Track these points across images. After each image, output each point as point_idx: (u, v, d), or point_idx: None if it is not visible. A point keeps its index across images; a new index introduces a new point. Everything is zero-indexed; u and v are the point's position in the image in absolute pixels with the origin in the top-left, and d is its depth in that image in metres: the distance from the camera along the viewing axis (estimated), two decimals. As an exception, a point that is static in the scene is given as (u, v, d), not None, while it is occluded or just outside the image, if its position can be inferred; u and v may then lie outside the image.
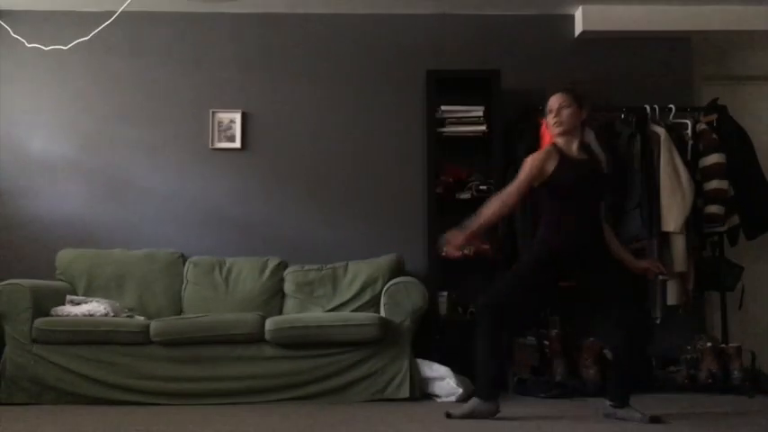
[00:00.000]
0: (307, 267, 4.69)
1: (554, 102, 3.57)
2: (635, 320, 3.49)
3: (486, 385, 3.51)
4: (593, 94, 4.94)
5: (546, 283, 3.63)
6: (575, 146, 3.55)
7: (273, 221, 5.00)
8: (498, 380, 3.68)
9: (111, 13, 4.59)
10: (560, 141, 3.56)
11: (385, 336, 4.09)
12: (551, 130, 3.58)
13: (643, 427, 3.39)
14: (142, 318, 4.34)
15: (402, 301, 4.18)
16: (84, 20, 4.84)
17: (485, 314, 3.50)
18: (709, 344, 4.46)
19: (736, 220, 4.68)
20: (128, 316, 4.33)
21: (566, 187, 3.48)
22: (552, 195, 3.51)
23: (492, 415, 3.49)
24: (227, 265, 4.71)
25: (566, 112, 3.53)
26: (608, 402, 3.55)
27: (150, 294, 4.60)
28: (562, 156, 3.51)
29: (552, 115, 3.55)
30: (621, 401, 3.52)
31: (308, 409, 3.80)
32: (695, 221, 4.58)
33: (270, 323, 4.12)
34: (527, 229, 4.41)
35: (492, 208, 3.52)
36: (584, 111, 3.59)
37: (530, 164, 3.52)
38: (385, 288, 4.30)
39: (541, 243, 3.54)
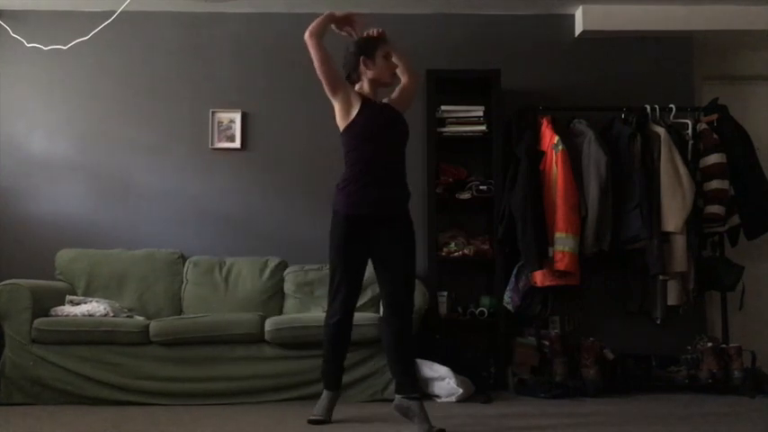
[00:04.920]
0: (307, 267, 4.68)
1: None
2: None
3: None
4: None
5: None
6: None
7: (273, 221, 4.99)
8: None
9: (111, 12, 4.58)
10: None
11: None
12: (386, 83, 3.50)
13: (644, 427, 3.39)
14: (142, 318, 4.33)
15: (402, 301, 4.16)
16: (84, 20, 4.83)
17: None
18: (709, 344, 4.45)
19: (736, 220, 4.67)
20: (127, 316, 4.31)
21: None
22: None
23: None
24: (227, 265, 4.70)
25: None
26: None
27: (150, 294, 4.59)
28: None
29: (389, 70, 3.49)
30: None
31: (308, 409, 3.77)
32: (696, 221, 4.57)
33: (269, 323, 4.12)
34: (526, 228, 4.41)
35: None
36: None
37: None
38: (385, 288, 4.28)
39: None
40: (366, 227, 3.40)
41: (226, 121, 5.03)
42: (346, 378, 4.04)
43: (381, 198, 3.40)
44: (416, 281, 4.25)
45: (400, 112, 3.53)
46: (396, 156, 3.45)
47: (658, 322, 4.67)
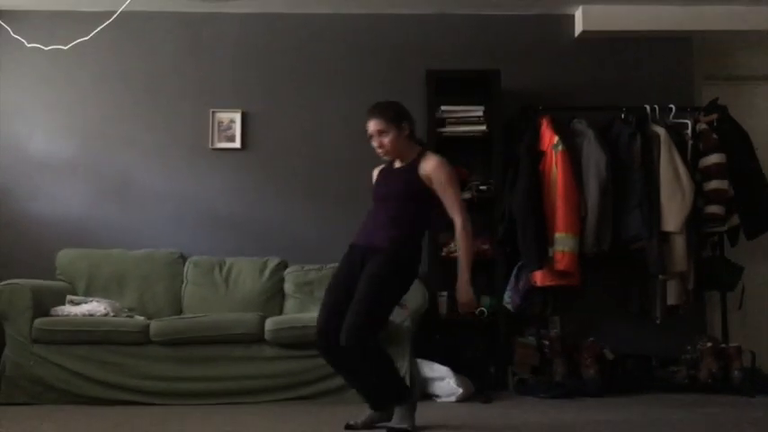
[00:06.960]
0: (307, 267, 4.68)
1: (371, 128, 3.39)
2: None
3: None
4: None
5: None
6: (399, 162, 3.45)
7: (273, 221, 4.99)
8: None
9: (112, 12, 4.57)
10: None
11: (385, 336, 4.07)
12: (379, 154, 3.45)
13: (644, 427, 3.39)
14: (142, 318, 4.33)
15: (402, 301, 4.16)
16: (85, 20, 4.82)
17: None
18: (709, 344, 4.45)
19: (736, 220, 4.67)
20: (128, 316, 4.32)
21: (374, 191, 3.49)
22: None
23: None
24: (227, 265, 4.70)
25: (386, 139, 3.37)
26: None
27: (150, 294, 4.59)
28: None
29: (374, 142, 3.40)
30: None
31: (308, 409, 3.79)
32: (695, 221, 4.56)
33: (270, 323, 4.12)
34: (526, 228, 4.41)
35: (467, 244, 3.36)
36: (404, 127, 3.38)
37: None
38: (385, 288, 4.27)
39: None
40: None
41: (226, 121, 5.03)
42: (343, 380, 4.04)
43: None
44: (417, 281, 4.27)
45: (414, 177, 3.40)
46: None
47: (658, 322, 4.65)
